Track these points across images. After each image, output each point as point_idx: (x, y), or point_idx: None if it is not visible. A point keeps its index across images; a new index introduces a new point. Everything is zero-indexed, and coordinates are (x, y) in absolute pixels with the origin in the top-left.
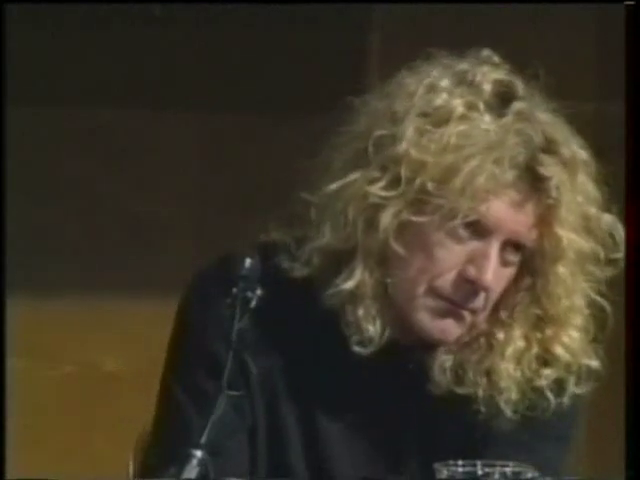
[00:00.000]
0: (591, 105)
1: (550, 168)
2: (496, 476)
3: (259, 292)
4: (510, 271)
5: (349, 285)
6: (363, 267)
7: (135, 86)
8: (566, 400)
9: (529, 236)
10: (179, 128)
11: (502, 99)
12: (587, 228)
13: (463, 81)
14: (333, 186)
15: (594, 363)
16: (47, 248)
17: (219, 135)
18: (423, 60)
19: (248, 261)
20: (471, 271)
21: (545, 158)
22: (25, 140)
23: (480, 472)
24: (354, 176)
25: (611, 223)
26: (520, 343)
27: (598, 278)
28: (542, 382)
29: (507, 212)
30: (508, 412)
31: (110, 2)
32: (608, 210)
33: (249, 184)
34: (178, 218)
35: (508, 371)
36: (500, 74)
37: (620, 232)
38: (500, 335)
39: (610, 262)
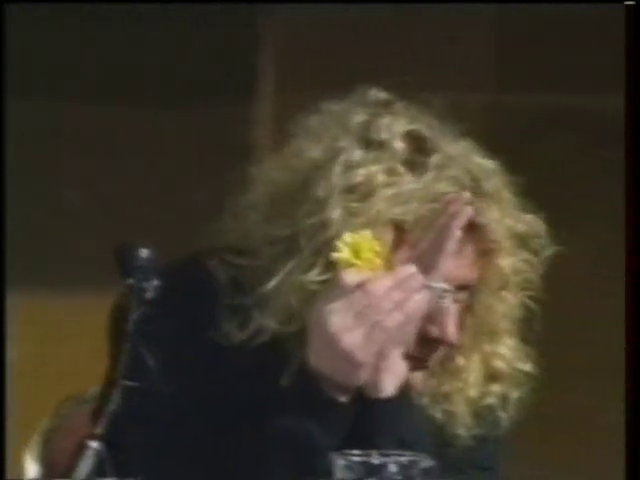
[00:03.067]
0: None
1: (484, 213)
2: (392, 465)
3: (155, 283)
4: (459, 307)
5: (292, 375)
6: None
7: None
8: (509, 413)
9: (473, 275)
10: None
11: (417, 153)
12: (520, 244)
13: (372, 143)
14: (272, 283)
15: (527, 367)
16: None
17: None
18: (312, 114)
19: (144, 251)
20: (433, 330)
21: (476, 203)
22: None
23: (376, 461)
24: (289, 266)
25: (532, 222)
26: (470, 364)
27: (531, 283)
28: (493, 400)
29: (451, 264)
30: (463, 434)
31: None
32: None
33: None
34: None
35: (463, 394)
36: (403, 124)
37: (540, 225)
38: (452, 359)
39: (540, 263)
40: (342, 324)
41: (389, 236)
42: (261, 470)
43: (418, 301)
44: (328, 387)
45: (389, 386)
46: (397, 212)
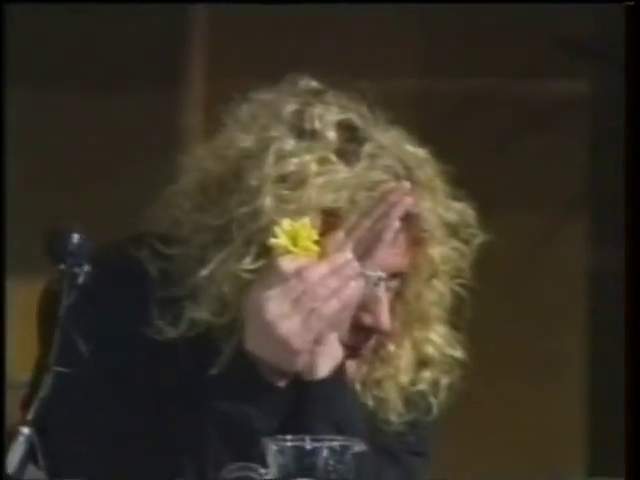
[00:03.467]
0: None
1: (416, 202)
2: (324, 450)
3: (87, 268)
4: (391, 295)
5: (228, 360)
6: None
7: None
8: (440, 399)
9: (405, 263)
10: None
11: (349, 142)
12: (450, 232)
13: (304, 133)
14: (204, 272)
15: (458, 353)
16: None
17: None
18: (242, 103)
19: (76, 237)
20: (366, 319)
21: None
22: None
23: (309, 447)
24: (221, 255)
25: (463, 210)
26: (401, 351)
27: (461, 270)
28: (424, 386)
29: (385, 252)
30: (394, 420)
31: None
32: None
33: None
34: None
35: (394, 380)
36: (335, 113)
37: (470, 214)
38: (384, 346)
39: (471, 251)
40: (278, 311)
41: (322, 224)
42: (197, 454)
43: (354, 288)
44: (265, 372)
45: (324, 369)
46: (329, 199)
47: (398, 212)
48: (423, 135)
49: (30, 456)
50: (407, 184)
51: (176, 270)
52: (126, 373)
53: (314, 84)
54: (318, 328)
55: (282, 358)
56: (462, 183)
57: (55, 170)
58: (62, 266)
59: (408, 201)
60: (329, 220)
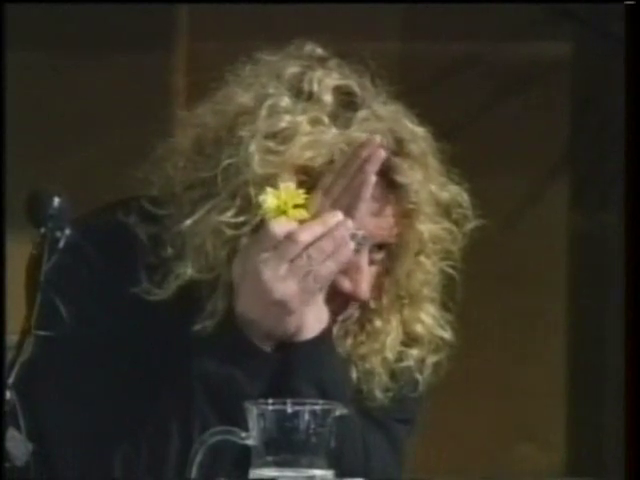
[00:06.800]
0: None
1: (406, 174)
2: (306, 414)
3: (68, 232)
4: (375, 268)
5: (214, 322)
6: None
7: None
8: (426, 376)
9: (392, 235)
10: None
11: (344, 107)
12: (442, 211)
13: (302, 94)
14: (188, 222)
15: (446, 334)
16: None
17: None
18: (245, 62)
19: (57, 200)
20: (345, 285)
21: (398, 163)
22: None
23: (290, 410)
24: (206, 207)
25: (456, 192)
26: (388, 327)
27: (451, 252)
28: (410, 362)
29: (370, 221)
30: (379, 395)
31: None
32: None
33: None
34: None
35: (379, 355)
36: (335, 78)
37: (464, 196)
38: (370, 321)
39: (463, 235)
40: (274, 274)
41: (297, 184)
42: (183, 418)
43: (350, 249)
44: (254, 336)
45: (312, 331)
46: (307, 156)
47: (372, 166)
48: (406, 99)
49: (11, 419)
50: (378, 137)
51: (166, 232)
52: (111, 336)
53: (319, 50)
54: (315, 289)
55: (277, 320)
56: (445, 149)
57: (40, 132)
58: (43, 230)
59: (382, 154)
60: (304, 180)
